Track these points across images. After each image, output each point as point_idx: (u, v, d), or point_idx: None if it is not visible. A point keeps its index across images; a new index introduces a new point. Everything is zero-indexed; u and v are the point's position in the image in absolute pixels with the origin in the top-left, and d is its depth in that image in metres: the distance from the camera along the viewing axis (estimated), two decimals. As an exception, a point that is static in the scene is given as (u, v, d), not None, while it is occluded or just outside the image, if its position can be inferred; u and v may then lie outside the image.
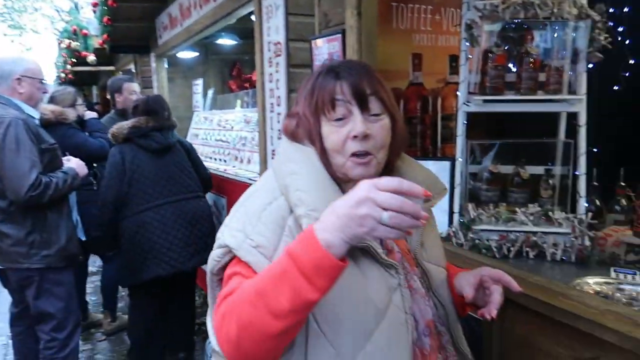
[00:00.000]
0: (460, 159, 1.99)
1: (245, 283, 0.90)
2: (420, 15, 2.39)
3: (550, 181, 1.98)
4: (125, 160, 2.97)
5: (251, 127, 4.26)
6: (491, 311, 1.04)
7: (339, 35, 2.03)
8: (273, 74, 2.80)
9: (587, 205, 1.87)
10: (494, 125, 2.44)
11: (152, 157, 3.04)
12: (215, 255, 1.01)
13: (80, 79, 10.92)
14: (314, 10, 2.34)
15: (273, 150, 2.89)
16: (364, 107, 1.01)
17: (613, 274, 1.57)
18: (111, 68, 9.42)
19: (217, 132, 5.00)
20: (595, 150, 1.93)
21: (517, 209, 1.91)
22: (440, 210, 2.03)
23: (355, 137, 0.99)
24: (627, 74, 2.64)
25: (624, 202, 1.94)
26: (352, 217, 0.76)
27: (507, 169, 2.05)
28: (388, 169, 1.12)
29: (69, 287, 2.68)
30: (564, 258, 1.75)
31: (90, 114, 3.97)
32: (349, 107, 1.01)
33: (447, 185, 2.06)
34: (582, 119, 1.87)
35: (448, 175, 2.09)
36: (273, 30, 2.70)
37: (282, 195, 1.00)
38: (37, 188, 2.39)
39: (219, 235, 1.03)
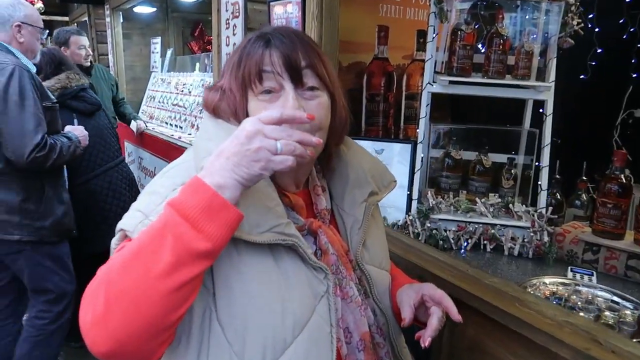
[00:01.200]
0: (421, 142, 1.88)
1: (116, 254, 0.76)
2: (389, -16, 2.21)
3: (513, 171, 1.90)
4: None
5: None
6: (425, 339, 0.91)
7: (299, -1, 1.85)
8: (230, 37, 2.59)
9: (547, 198, 1.80)
10: (459, 107, 2.34)
11: (82, 119, 2.75)
12: (113, 242, 0.85)
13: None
14: (276, -30, 2.14)
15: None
16: (297, 80, 0.88)
17: (570, 274, 1.52)
18: (65, 19, 8.79)
19: (175, 95, 4.74)
20: (558, 141, 1.86)
21: (477, 199, 1.83)
22: (399, 196, 1.93)
23: None
24: (594, 63, 2.59)
25: (584, 197, 1.88)
26: (244, 153, 0.71)
27: (470, 156, 1.96)
28: (327, 154, 0.99)
29: (65, 259, 2.44)
30: (521, 253, 1.69)
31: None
32: (280, 80, 0.87)
33: (407, 170, 1.97)
34: (549, 108, 1.78)
35: (409, 159, 1.98)
36: (231, -11, 2.49)
37: None
38: (42, 149, 2.09)
39: None
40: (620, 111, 3.30)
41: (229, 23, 2.58)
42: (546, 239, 1.67)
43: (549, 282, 1.47)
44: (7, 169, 2.14)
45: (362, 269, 0.99)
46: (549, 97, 1.78)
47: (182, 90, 4.63)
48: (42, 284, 2.35)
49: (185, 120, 4.35)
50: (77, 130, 2.44)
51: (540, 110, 1.82)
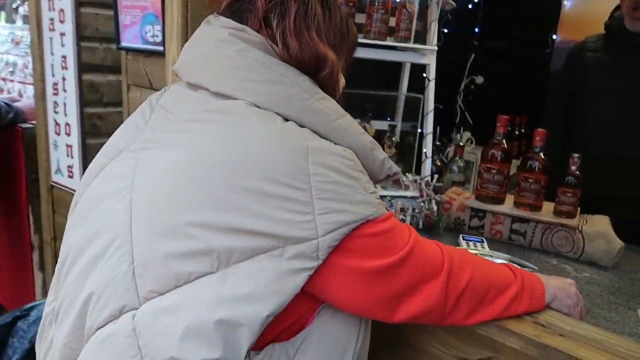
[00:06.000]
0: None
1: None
2: None
3: (394, 138, 1.83)
4: None
5: (22, 50, 3.34)
6: None
7: None
8: (53, -22, 2.07)
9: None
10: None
11: None
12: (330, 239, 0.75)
13: None
14: None
15: (55, 84, 2.18)
16: None
17: (463, 243, 1.49)
18: None
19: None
20: (440, 107, 1.83)
21: (362, 169, 1.72)
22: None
23: None
24: (446, 31, 2.65)
25: (460, 162, 1.90)
26: (569, 292, 1.02)
27: (350, 123, 1.84)
28: None
29: None
30: (411, 224, 1.63)
31: None
32: None
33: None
34: (432, 73, 1.72)
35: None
36: None
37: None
38: None
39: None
40: (464, 78, 3.52)
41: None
42: (435, 207, 1.63)
43: (448, 254, 1.42)
44: None
45: None
46: (431, 62, 1.72)
47: (-16, 46, 3.75)
48: None
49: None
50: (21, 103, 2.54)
51: (424, 75, 1.76)
